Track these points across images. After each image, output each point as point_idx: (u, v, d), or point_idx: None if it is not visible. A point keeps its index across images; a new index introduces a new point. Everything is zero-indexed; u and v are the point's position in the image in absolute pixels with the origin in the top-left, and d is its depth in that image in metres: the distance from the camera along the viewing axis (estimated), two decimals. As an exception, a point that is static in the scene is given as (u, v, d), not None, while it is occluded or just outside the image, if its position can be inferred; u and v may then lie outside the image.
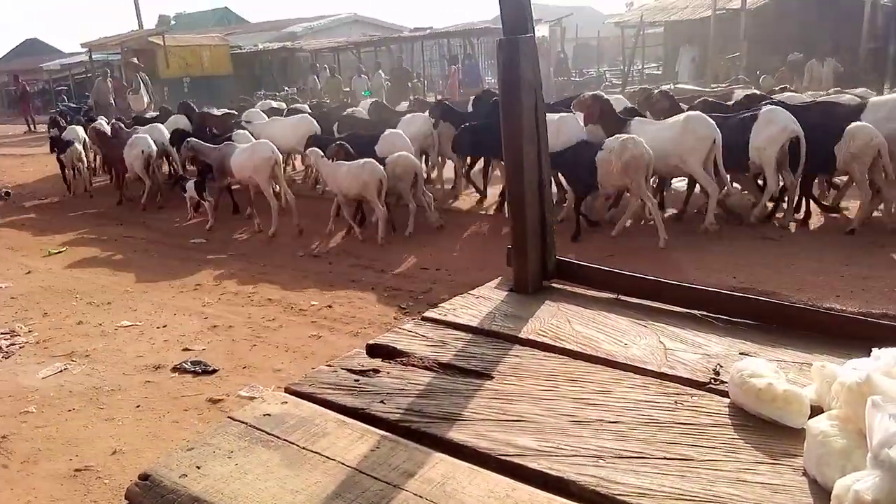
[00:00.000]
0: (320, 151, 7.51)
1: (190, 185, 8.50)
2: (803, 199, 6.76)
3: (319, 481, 1.33)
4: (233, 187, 8.78)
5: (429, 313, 2.07)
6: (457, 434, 1.45)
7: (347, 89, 18.95)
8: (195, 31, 29.07)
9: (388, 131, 8.14)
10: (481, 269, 6.29)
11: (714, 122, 6.41)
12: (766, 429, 1.48)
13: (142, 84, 17.94)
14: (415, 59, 23.49)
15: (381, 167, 7.00)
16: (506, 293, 2.23)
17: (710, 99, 8.25)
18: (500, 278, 2.35)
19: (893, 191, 6.15)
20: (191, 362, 4.53)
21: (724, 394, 1.61)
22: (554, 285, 2.28)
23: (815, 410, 1.47)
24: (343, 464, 1.37)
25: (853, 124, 6.09)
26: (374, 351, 1.85)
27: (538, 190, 2.16)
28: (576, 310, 2.05)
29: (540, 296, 2.18)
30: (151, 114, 14.02)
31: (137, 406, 4.02)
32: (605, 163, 6.29)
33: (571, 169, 6.64)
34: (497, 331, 1.94)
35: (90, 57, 23.78)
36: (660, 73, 21.44)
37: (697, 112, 6.81)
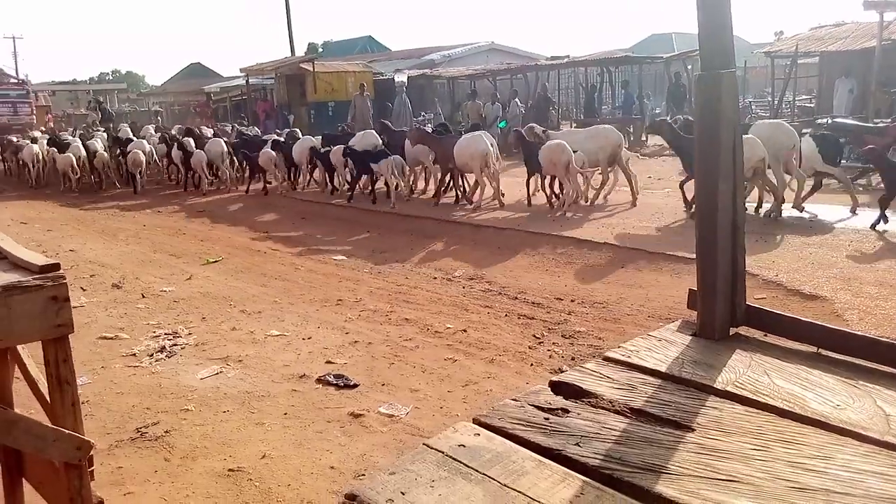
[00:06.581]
0: None
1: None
2: None
3: None
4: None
5: (611, 353, 1.99)
6: (665, 489, 1.36)
7: (484, 116, 19.23)
8: (341, 58, 30.64)
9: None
10: (618, 303, 6.10)
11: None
12: None
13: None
14: (550, 88, 23.45)
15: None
16: (689, 337, 2.09)
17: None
18: (680, 320, 2.22)
19: None
20: (333, 375, 4.67)
21: (968, 474, 1.42)
22: (741, 333, 2.13)
23: None
24: None
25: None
26: (558, 388, 1.79)
27: (732, 232, 2.03)
28: (773, 362, 1.89)
29: (728, 343, 2.03)
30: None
31: (285, 413, 4.18)
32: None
33: None
34: (689, 378, 1.82)
35: (247, 81, 25.73)
36: (812, 105, 20.06)
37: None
